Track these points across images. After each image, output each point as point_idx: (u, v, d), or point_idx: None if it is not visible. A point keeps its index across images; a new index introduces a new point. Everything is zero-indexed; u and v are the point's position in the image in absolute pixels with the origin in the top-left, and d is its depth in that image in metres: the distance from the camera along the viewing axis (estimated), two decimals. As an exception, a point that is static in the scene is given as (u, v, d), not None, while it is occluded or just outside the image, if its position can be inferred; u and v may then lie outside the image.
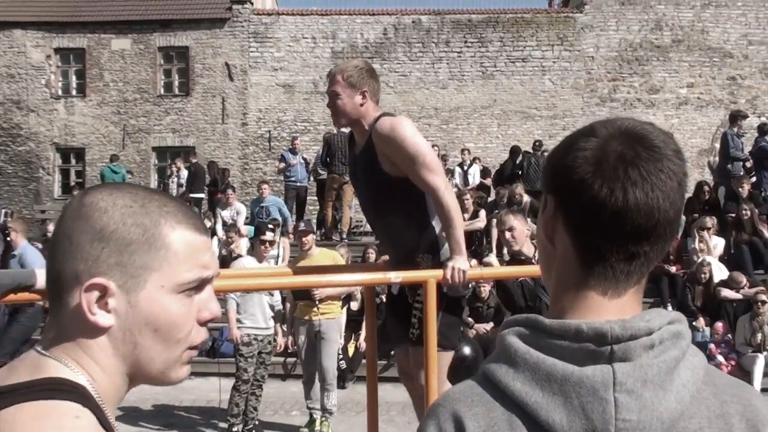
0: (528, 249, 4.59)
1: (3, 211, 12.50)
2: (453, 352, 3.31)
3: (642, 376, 0.86)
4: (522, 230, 4.57)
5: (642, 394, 0.86)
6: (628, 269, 0.92)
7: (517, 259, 4.58)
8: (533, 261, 4.48)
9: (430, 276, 3.00)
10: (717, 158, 12.72)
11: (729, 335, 8.54)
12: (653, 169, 0.89)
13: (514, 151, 14.25)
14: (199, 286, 0.90)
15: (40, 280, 2.43)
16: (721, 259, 9.78)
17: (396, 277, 3.02)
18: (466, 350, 6.45)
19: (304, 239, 6.38)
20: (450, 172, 14.19)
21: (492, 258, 6.28)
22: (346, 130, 4.03)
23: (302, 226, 6.69)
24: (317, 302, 6.30)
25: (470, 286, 3.90)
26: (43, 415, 0.76)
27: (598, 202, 0.88)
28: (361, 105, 3.16)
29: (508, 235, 4.58)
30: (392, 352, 5.55)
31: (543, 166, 1.03)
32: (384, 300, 8.78)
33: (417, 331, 3.21)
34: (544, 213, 0.97)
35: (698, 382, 0.89)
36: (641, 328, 0.87)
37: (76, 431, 0.76)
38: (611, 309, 0.92)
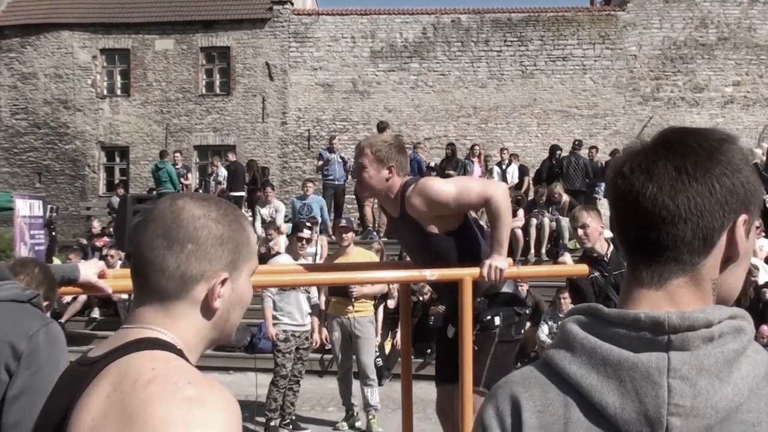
0: (601, 246, 4.57)
1: (49, 206, 12.86)
2: None
3: (698, 364, 0.87)
4: (595, 228, 4.55)
5: (697, 382, 0.86)
6: (661, 258, 0.94)
7: (588, 256, 4.56)
8: (605, 259, 4.51)
9: (466, 274, 3.00)
10: (764, 158, 12.40)
11: (774, 339, 8.30)
12: (661, 165, 0.93)
13: (554, 150, 14.13)
14: None
15: (84, 273, 2.51)
16: (767, 260, 9.54)
17: (431, 274, 3.02)
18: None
19: (344, 235, 6.37)
20: (489, 172, 14.14)
21: (567, 257, 6.30)
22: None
23: (343, 222, 6.67)
24: (353, 299, 6.32)
25: (518, 286, 3.87)
26: (154, 358, 1.03)
27: (619, 193, 0.97)
28: (387, 180, 3.17)
29: (580, 232, 4.57)
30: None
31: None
32: (420, 299, 8.86)
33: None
34: None
35: (758, 377, 0.89)
36: (699, 320, 0.88)
37: (177, 368, 1.02)
38: (659, 299, 0.94)
